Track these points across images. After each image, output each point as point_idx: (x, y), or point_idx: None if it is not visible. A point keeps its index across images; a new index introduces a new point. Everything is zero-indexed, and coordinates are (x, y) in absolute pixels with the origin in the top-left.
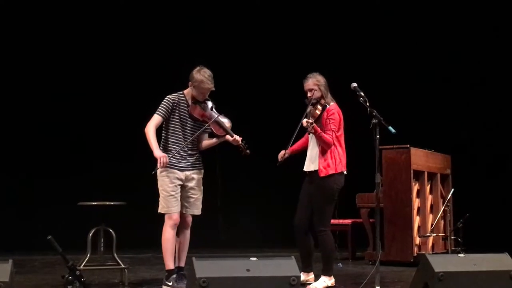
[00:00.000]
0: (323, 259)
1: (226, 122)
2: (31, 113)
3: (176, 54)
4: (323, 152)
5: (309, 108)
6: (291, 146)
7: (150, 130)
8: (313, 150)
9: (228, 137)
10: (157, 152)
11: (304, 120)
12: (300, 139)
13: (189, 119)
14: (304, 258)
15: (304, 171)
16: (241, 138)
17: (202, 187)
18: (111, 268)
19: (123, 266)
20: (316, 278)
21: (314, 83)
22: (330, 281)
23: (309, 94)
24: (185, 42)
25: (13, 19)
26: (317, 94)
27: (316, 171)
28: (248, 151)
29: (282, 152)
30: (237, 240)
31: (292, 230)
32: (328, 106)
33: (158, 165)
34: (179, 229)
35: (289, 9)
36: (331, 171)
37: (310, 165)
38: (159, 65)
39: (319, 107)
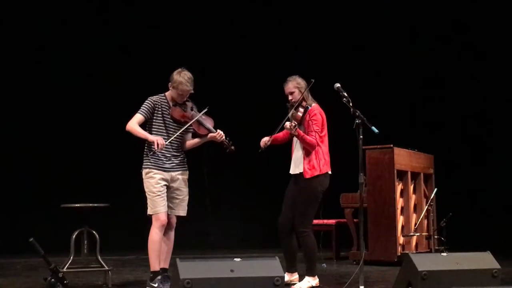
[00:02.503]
0: (306, 259)
1: (208, 121)
2: (15, 114)
3: (160, 56)
4: (307, 154)
5: (291, 111)
6: (274, 135)
7: (133, 125)
8: (297, 153)
9: (211, 134)
10: (151, 136)
11: (287, 123)
12: (282, 131)
13: (171, 121)
14: (288, 259)
15: (290, 174)
16: (224, 135)
17: (187, 188)
18: (94, 270)
19: (106, 268)
20: (301, 278)
21: (295, 86)
22: (314, 281)
23: (290, 97)
24: (170, 44)
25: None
26: (298, 96)
27: (301, 173)
28: (232, 147)
29: (266, 138)
30: (222, 241)
31: (276, 230)
32: (310, 107)
33: (156, 147)
34: (164, 230)
35: (270, 9)
36: (316, 173)
37: (295, 168)
38: (145, 67)
39: (301, 109)
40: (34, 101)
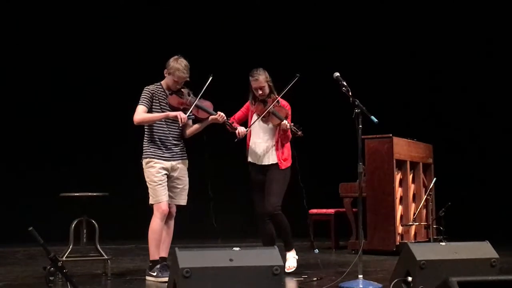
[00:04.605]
0: (285, 236)
1: (206, 103)
2: (13, 105)
3: (154, 45)
4: (282, 146)
5: (269, 106)
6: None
7: (142, 114)
8: (264, 144)
9: (212, 117)
10: (172, 112)
11: (287, 123)
12: (241, 111)
13: (169, 110)
14: (268, 244)
15: (255, 163)
16: (225, 116)
17: (187, 177)
18: (94, 259)
19: (106, 257)
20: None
21: (265, 79)
22: (294, 253)
23: (260, 92)
24: (165, 35)
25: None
26: (267, 91)
27: (275, 164)
28: (236, 128)
29: (245, 131)
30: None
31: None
32: (279, 100)
33: (180, 121)
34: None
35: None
36: (289, 164)
37: (265, 159)
38: (143, 58)
39: (276, 103)
40: (33, 91)
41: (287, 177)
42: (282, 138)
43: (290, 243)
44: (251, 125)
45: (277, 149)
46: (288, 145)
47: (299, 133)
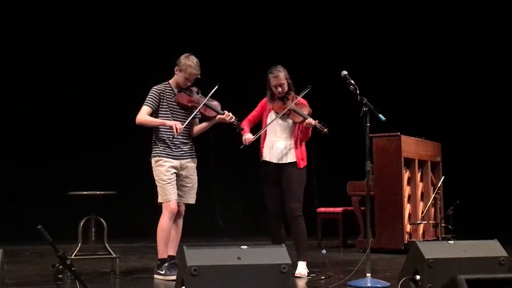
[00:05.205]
0: (301, 244)
1: (214, 103)
2: (21, 102)
3: (162, 43)
4: (300, 144)
5: (290, 104)
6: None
7: (144, 116)
8: (281, 142)
9: (219, 116)
10: (168, 121)
11: (311, 120)
12: (255, 111)
13: (178, 108)
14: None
15: (270, 161)
16: (232, 115)
17: (196, 176)
18: (102, 257)
19: (114, 255)
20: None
21: (285, 76)
22: (305, 265)
23: (279, 89)
24: (171, 32)
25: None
26: (286, 88)
27: (293, 162)
28: (242, 127)
29: (251, 138)
30: (229, 229)
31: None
32: (297, 97)
33: (175, 131)
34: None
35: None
36: (305, 163)
37: (283, 157)
38: (146, 55)
39: (295, 100)
40: (38, 88)
41: (305, 177)
42: (301, 137)
43: (304, 252)
44: (268, 124)
45: (296, 148)
46: (304, 144)
47: (325, 130)
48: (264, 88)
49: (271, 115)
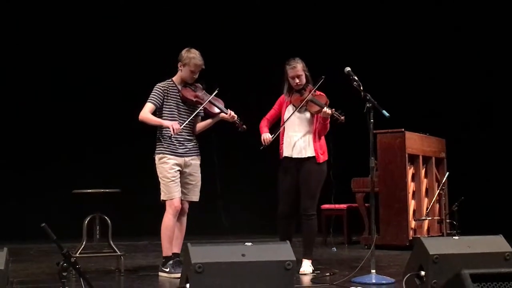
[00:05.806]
0: (310, 243)
1: (218, 101)
2: (24, 100)
3: (163, 43)
4: (319, 138)
5: (307, 94)
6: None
7: (146, 114)
8: (304, 135)
9: (223, 115)
10: (166, 122)
11: (327, 109)
12: (274, 109)
13: (182, 104)
14: None
15: (290, 157)
16: (235, 114)
17: (200, 174)
18: (107, 255)
19: (119, 253)
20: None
21: (303, 68)
22: (311, 264)
23: (297, 81)
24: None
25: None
26: (304, 80)
27: (312, 157)
28: (244, 126)
29: (270, 137)
30: (232, 226)
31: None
32: (314, 89)
33: (172, 132)
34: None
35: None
36: (326, 157)
37: (302, 151)
38: (150, 53)
39: (314, 92)
40: (42, 87)
41: (324, 173)
42: (320, 129)
43: (310, 251)
44: (286, 120)
45: (314, 141)
46: (323, 138)
47: (342, 117)
48: (282, 81)
49: (289, 109)
